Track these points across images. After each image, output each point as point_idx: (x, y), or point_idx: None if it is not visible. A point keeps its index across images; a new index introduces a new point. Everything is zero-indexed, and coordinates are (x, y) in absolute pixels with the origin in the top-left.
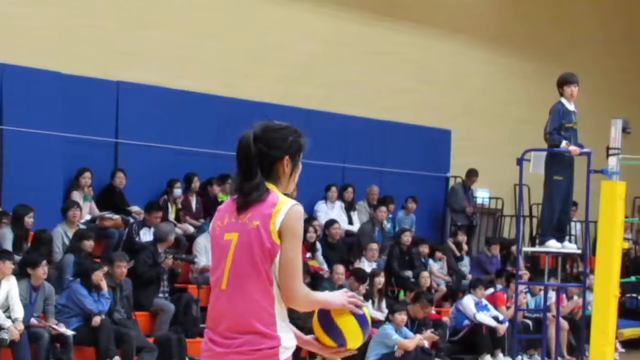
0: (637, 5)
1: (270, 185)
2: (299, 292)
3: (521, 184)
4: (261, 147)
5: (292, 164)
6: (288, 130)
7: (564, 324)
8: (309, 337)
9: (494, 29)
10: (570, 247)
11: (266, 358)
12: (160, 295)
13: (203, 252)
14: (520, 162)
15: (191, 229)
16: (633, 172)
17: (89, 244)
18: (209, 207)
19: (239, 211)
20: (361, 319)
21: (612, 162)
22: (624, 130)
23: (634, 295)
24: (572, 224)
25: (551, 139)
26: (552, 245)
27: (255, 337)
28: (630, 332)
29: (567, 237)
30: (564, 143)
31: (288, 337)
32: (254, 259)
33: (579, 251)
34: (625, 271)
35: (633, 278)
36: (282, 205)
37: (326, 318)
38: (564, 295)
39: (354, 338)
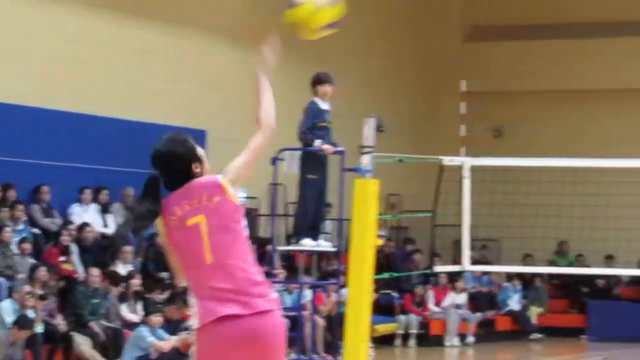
0: (395, 4)
1: None
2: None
3: (276, 183)
4: None
5: None
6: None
7: (320, 322)
8: None
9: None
10: (324, 245)
11: None
12: None
13: None
14: (274, 161)
15: None
16: (387, 170)
17: None
18: None
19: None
20: None
21: (365, 160)
22: (378, 129)
23: (388, 291)
24: (328, 222)
25: (304, 138)
26: (307, 243)
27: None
28: (384, 328)
29: (322, 235)
30: (317, 142)
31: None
32: (230, 228)
33: (334, 249)
34: (379, 268)
35: (387, 275)
36: (217, 175)
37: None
38: (324, 294)
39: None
